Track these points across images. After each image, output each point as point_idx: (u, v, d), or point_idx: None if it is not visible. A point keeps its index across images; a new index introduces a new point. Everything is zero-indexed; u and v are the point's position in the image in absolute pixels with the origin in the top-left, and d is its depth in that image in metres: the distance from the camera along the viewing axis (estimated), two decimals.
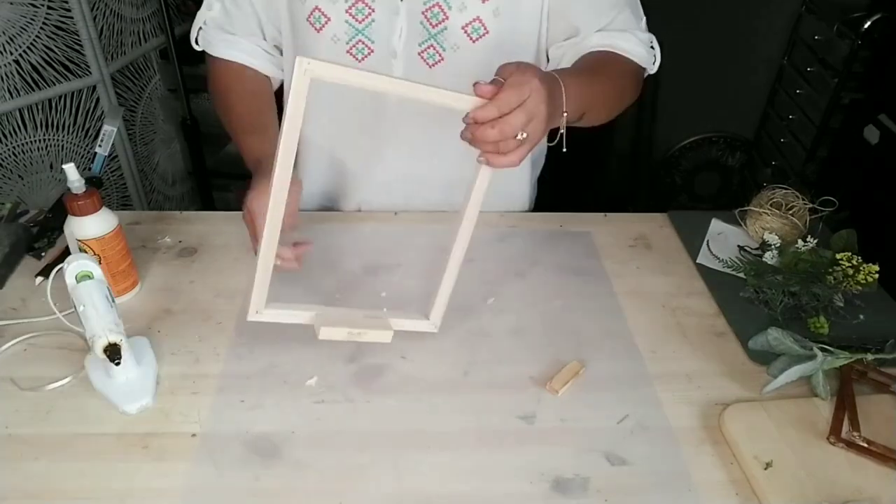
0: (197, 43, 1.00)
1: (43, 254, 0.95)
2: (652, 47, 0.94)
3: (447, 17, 0.88)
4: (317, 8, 0.89)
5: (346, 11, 0.89)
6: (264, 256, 0.72)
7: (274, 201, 0.67)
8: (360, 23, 0.89)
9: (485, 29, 0.89)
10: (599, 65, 0.88)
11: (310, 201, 1.11)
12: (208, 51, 0.99)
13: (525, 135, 0.66)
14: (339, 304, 0.88)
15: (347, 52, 0.92)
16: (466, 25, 0.88)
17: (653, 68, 0.95)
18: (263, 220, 0.69)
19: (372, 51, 0.91)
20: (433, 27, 0.89)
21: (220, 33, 0.98)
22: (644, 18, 0.94)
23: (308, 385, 0.76)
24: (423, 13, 0.88)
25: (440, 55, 0.91)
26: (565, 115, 0.74)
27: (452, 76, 0.92)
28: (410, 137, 1.00)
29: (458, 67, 0.92)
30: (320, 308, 0.79)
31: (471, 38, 0.89)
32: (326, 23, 0.90)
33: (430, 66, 0.92)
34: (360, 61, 0.92)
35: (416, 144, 1.01)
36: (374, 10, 0.88)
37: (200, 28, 0.99)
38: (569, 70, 0.86)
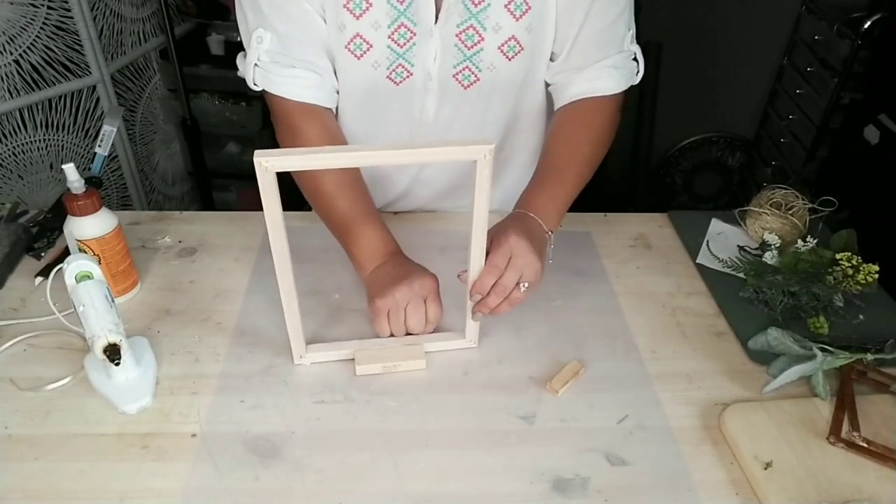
0: (255, 84, 0.88)
1: (42, 254, 0.95)
2: (635, 59, 0.93)
3: (483, 39, 0.86)
4: (358, 35, 0.86)
5: (389, 37, 0.86)
6: (289, 311, 0.74)
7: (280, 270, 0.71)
8: (401, 47, 0.87)
9: (520, 46, 0.88)
10: (565, 147, 0.91)
11: None
12: (269, 89, 0.88)
13: (526, 285, 0.76)
14: (339, 303, 0.88)
15: (387, 77, 0.90)
16: (502, 45, 0.87)
17: (635, 81, 0.94)
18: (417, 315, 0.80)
19: (411, 74, 0.90)
20: (468, 49, 0.87)
21: (278, 68, 0.86)
22: (631, 31, 0.92)
23: (308, 385, 0.76)
24: (457, 35, 0.86)
25: (476, 76, 0.90)
26: (550, 234, 0.84)
27: (487, 95, 0.92)
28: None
29: (493, 86, 0.91)
30: (359, 343, 0.81)
31: (507, 57, 0.88)
32: (368, 49, 0.87)
33: (464, 88, 0.91)
34: (397, 84, 0.90)
35: None
36: (415, 34, 0.86)
37: (256, 65, 0.87)
38: (541, 190, 0.88)
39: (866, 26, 1.74)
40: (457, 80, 0.90)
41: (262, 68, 0.87)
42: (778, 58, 2.20)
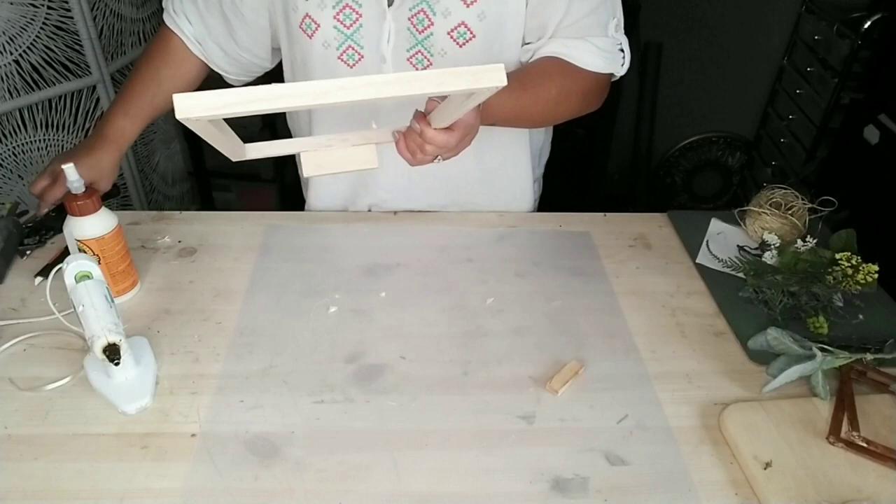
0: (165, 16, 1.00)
1: (29, 251, 0.94)
2: (621, 50, 0.94)
3: (432, 24, 0.88)
4: (307, 15, 0.89)
5: (335, 17, 0.89)
6: (208, 135, 0.66)
7: None
8: (347, 28, 0.89)
9: (471, 33, 0.88)
10: (537, 74, 0.92)
11: (330, 203, 1.10)
12: (167, 20, 0.99)
13: (441, 160, 0.81)
14: (339, 304, 0.88)
15: (339, 58, 0.92)
16: (452, 31, 0.88)
17: (621, 70, 0.96)
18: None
19: (362, 56, 0.91)
20: (420, 33, 0.89)
21: (190, 5, 0.97)
22: (616, 19, 0.93)
23: (308, 385, 0.76)
24: (409, 19, 0.88)
25: (428, 60, 0.91)
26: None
27: None
28: None
29: None
30: (306, 141, 0.84)
31: (458, 43, 0.89)
32: (317, 29, 0.90)
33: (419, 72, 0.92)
34: (351, 67, 0.92)
35: None
36: (361, 15, 0.88)
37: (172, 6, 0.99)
38: (509, 92, 0.89)
39: (866, 26, 1.74)
40: (411, 63, 0.92)
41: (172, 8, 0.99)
42: (778, 58, 2.20)
